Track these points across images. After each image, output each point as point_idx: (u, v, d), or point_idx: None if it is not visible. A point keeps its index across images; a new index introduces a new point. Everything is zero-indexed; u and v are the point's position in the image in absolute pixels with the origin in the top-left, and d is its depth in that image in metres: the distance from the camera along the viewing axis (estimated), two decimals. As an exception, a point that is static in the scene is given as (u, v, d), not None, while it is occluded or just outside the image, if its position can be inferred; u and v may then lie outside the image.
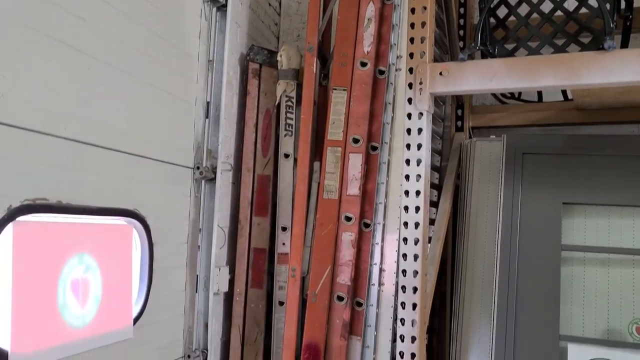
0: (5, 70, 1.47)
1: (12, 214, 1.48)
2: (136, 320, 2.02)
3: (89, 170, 1.78)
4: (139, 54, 2.03)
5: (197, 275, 2.46)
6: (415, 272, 2.25)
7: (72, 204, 1.68)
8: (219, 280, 2.56)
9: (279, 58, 2.95)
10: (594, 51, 2.11)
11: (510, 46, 2.56)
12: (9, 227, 1.48)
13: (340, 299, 2.59)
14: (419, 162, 2.35)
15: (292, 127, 2.91)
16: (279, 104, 2.95)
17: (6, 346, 1.47)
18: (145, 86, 2.07)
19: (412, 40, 2.44)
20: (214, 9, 2.57)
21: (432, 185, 2.82)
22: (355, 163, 2.66)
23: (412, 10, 2.45)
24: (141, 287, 2.07)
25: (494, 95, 3.17)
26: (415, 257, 2.26)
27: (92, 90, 1.79)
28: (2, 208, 1.45)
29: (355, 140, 2.61)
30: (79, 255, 1.73)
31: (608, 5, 2.32)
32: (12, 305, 1.48)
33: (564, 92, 2.97)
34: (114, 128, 1.90)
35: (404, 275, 2.27)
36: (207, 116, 2.54)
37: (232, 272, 2.73)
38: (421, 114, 2.37)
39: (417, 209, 2.29)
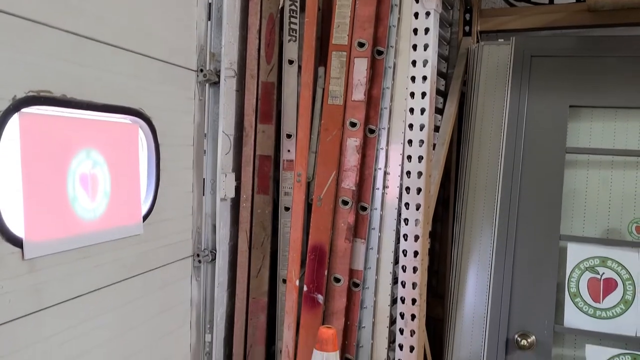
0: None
1: (17, 105, 1.48)
2: (145, 217, 2.06)
3: (93, 66, 1.76)
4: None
5: (204, 179, 2.48)
6: (420, 174, 2.27)
7: (76, 98, 1.68)
8: (226, 186, 2.59)
9: (281, -41, 2.85)
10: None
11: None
12: (15, 118, 1.48)
13: (345, 203, 2.63)
14: (425, 63, 2.32)
15: (296, 33, 2.85)
16: (282, 9, 2.88)
17: (20, 234, 1.51)
18: (145, -18, 2.02)
19: None
20: None
21: (438, 92, 2.79)
22: (361, 68, 2.62)
23: None
24: (149, 186, 2.10)
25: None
26: (420, 158, 2.28)
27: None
28: (7, 98, 1.46)
29: (361, 44, 2.57)
30: (86, 150, 1.74)
31: None
32: (23, 195, 1.51)
33: (576, -7, 2.88)
34: (116, 24, 1.86)
35: (408, 177, 2.30)
36: (209, 18, 2.48)
37: (238, 179, 2.76)
38: (428, 13, 2.31)
39: (423, 110, 2.28)
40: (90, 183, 1.76)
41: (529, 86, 2.54)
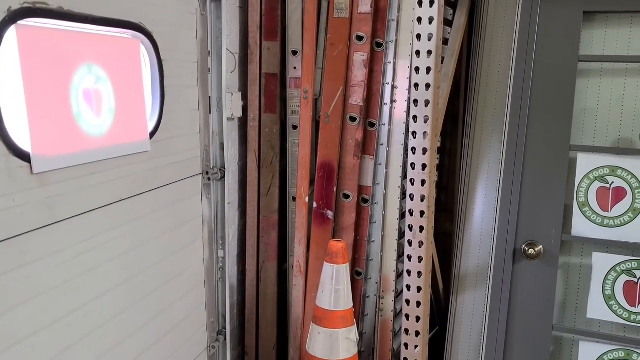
0: None
1: (13, 16, 1.45)
2: (152, 134, 2.06)
3: (88, -23, 1.71)
4: None
5: (210, 97, 2.46)
6: (428, 85, 2.23)
7: (73, 11, 1.64)
8: (232, 106, 2.57)
9: None
10: None
11: None
12: (12, 31, 1.46)
13: (353, 119, 2.61)
14: (431, -25, 2.22)
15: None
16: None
17: (28, 148, 1.52)
18: None
19: None
20: None
21: (447, 3, 2.69)
22: (366, -22, 2.53)
23: None
24: (154, 103, 2.09)
25: None
26: (428, 70, 2.23)
27: None
28: (2, 9, 1.42)
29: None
30: (87, 65, 1.72)
31: None
32: (27, 110, 1.51)
33: None
34: None
35: (417, 89, 2.26)
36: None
37: (245, 98, 2.73)
38: None
39: (431, 19, 2.21)
40: (94, 98, 1.75)
41: (542, -8, 2.44)
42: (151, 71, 2.07)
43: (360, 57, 2.62)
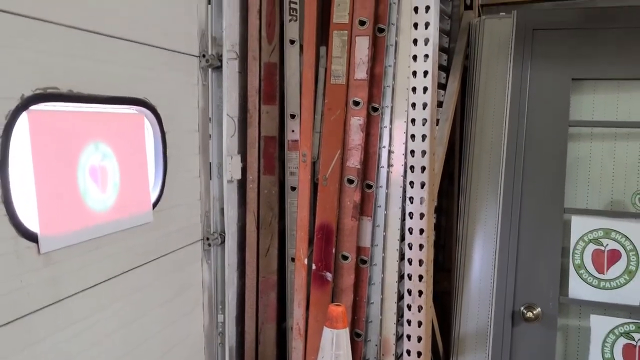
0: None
1: (26, 103, 1.50)
2: (155, 205, 2.10)
3: (97, 59, 1.78)
4: None
5: (210, 163, 2.51)
6: (424, 152, 2.29)
7: (83, 92, 1.70)
8: (232, 168, 2.62)
9: (279, -61, 2.82)
10: None
11: None
12: (24, 116, 1.51)
13: (351, 181, 2.66)
14: (426, 41, 2.32)
15: (296, 12, 2.84)
16: (282, -12, 2.87)
17: (36, 229, 1.55)
18: (144, -29, 2.02)
19: None
20: None
21: (440, 67, 2.79)
22: (362, 46, 2.62)
23: None
24: (157, 174, 2.13)
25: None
26: (424, 137, 2.29)
27: (91, -25, 1.75)
28: (16, 97, 1.48)
29: (362, 23, 2.56)
30: (94, 143, 1.77)
31: None
32: (36, 191, 1.55)
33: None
34: (118, 15, 1.87)
35: (412, 156, 2.32)
36: (209, 2, 2.47)
37: (244, 160, 2.78)
38: (429, -10, 2.30)
39: (425, 89, 2.29)
40: (100, 175, 1.79)
41: (531, 60, 2.53)
42: (154, 143, 2.12)
43: (357, 122, 2.69)
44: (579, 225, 2.43)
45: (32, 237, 1.54)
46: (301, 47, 2.79)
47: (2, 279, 1.45)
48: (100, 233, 1.79)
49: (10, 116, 1.46)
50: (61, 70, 1.63)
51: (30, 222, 1.55)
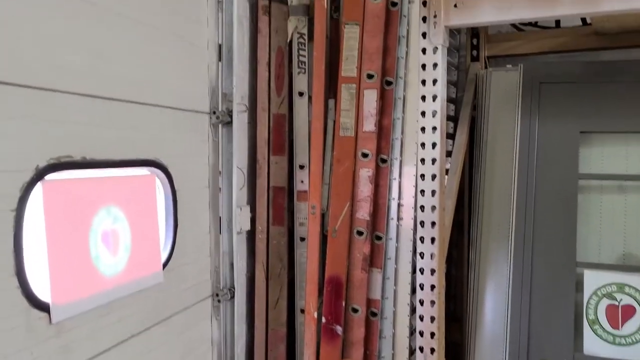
0: (18, 31, 1.47)
1: (40, 173, 1.52)
2: (165, 264, 2.10)
3: (110, 124, 1.80)
4: (150, 0, 2.00)
5: (220, 217, 2.52)
6: (433, 207, 2.29)
7: (95, 158, 1.72)
8: (241, 220, 2.62)
9: (288, -6, 2.88)
10: (615, -25, 2.04)
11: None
12: (38, 186, 1.53)
13: (360, 233, 2.66)
14: (434, 97, 2.34)
15: (305, 65, 2.88)
16: (290, 42, 2.91)
17: (47, 299, 1.55)
18: (158, 33, 2.06)
19: (425, -29, 2.36)
20: (219, -55, 2.50)
21: (448, 117, 2.81)
22: (370, 99, 2.65)
23: (424, -60, 2.36)
24: (168, 233, 2.14)
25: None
26: (433, 192, 2.30)
27: (105, 42, 1.78)
28: (30, 168, 1.50)
29: (370, 76, 2.59)
30: (106, 207, 1.78)
31: None
32: (48, 260, 1.56)
33: (582, 18, 2.88)
34: (129, 79, 1.90)
35: (422, 211, 2.32)
36: (219, 59, 2.52)
37: (253, 211, 2.79)
38: (436, 48, 2.33)
39: (434, 145, 2.30)
40: (111, 239, 1.80)
41: (539, 113, 2.55)
42: (165, 202, 2.13)
43: (366, 173, 2.70)
44: (592, 280, 2.40)
45: (44, 308, 1.54)
46: (310, 98, 2.83)
47: (12, 353, 1.44)
48: (112, 298, 1.79)
49: (25, 189, 1.48)
50: (75, 138, 1.66)
51: (42, 291, 1.55)
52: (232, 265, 2.55)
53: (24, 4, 1.49)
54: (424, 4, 2.36)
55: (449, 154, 2.88)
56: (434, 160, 2.30)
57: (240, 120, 2.60)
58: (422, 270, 2.32)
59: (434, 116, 2.33)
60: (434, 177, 2.30)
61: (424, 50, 2.36)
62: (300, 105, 2.87)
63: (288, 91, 2.92)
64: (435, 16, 2.31)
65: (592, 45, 2.71)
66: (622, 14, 2.12)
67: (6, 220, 1.44)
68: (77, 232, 1.66)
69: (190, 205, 2.28)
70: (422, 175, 2.32)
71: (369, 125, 2.68)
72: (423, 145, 2.32)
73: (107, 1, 1.79)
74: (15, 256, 1.46)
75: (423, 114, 2.36)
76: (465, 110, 2.85)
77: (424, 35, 2.37)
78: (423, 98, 2.36)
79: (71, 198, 1.65)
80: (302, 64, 2.90)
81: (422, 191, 2.32)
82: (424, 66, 2.37)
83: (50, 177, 1.57)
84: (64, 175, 1.64)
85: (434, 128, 2.30)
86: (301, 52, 2.89)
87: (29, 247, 1.53)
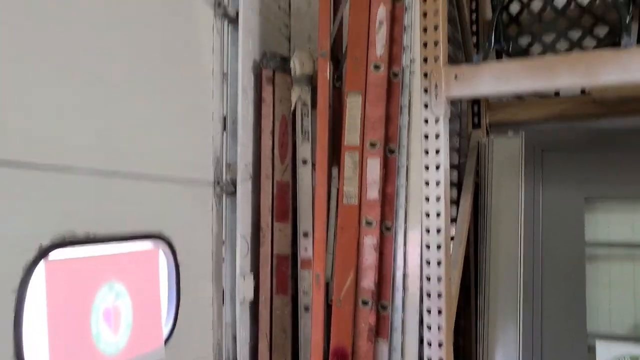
0: (22, 109, 1.50)
1: (43, 252, 1.51)
2: (167, 340, 2.06)
3: (116, 199, 1.81)
4: (155, 75, 2.05)
5: (223, 288, 2.49)
6: (439, 278, 2.26)
7: (99, 234, 1.72)
8: (244, 289, 2.59)
9: (292, 65, 2.95)
10: (611, 48, 2.08)
11: (524, 41, 2.54)
12: (41, 265, 1.51)
13: (365, 303, 2.61)
14: (437, 167, 2.35)
15: (308, 133, 2.92)
16: (294, 110, 2.96)
17: (46, 379, 1.51)
18: (163, 107, 2.10)
19: (425, 44, 2.42)
20: (226, 22, 2.57)
21: (452, 184, 2.81)
22: (374, 167, 2.66)
23: (424, 14, 2.43)
24: (170, 308, 2.10)
25: (511, 89, 3.13)
26: (439, 263, 2.27)
27: (110, 117, 1.81)
28: (33, 248, 1.49)
29: (372, 145, 2.62)
30: (109, 283, 1.76)
31: (623, -4, 2.29)
32: (49, 340, 1.52)
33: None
34: (135, 153, 1.92)
35: (428, 281, 2.29)
36: (224, 130, 2.55)
37: (256, 278, 2.76)
38: (438, 118, 2.36)
39: (438, 214, 2.30)
40: (113, 317, 1.77)
41: (542, 180, 2.55)
42: (168, 274, 2.11)
43: (370, 241, 2.68)
44: (604, 351, 2.34)
45: (42, 389, 1.50)
46: (313, 166, 2.85)
47: None
48: (111, 377, 1.75)
49: (27, 269, 1.46)
50: (79, 214, 1.66)
51: (41, 372, 1.51)
52: (234, 337, 2.50)
53: (31, 83, 1.52)
54: (425, 75, 2.41)
55: (453, 220, 2.87)
56: (438, 230, 2.29)
57: (244, 188, 2.61)
58: (429, 343, 2.27)
59: (437, 185, 2.33)
60: (439, 247, 2.28)
61: (426, 121, 2.39)
62: (304, 173, 2.89)
63: (292, 159, 2.95)
64: (436, 87, 2.36)
65: (592, 113, 2.75)
66: (620, 85, 2.16)
67: (7, 301, 1.42)
68: (79, 311, 1.64)
69: (193, 277, 2.26)
70: (428, 246, 2.30)
71: (373, 193, 2.69)
72: (427, 214, 2.32)
73: (115, 77, 1.84)
74: (14, 337, 1.43)
75: (427, 183, 2.37)
76: (469, 177, 2.86)
77: (425, 105, 2.40)
78: (426, 167, 2.38)
79: (74, 276, 1.63)
80: (305, 133, 2.94)
81: (428, 261, 2.30)
82: (426, 136, 2.39)
83: (53, 255, 1.56)
84: (68, 252, 1.63)
85: (438, 198, 2.30)
86: (304, 121, 2.94)
87: (29, 326, 1.51)
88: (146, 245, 2.01)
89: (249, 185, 2.71)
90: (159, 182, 2.05)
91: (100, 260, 1.75)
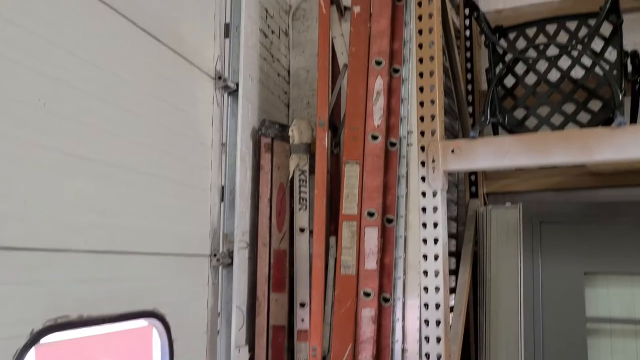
0: (25, 195, 1.49)
1: (35, 338, 1.48)
2: (159, 421, 1.99)
3: (109, 278, 1.78)
4: (155, 152, 2.06)
5: (217, 362, 2.43)
6: (439, 356, 2.22)
7: (92, 315, 1.68)
8: (239, 361, 2.53)
9: (290, 133, 2.98)
10: (605, 128, 2.12)
11: (520, 114, 2.57)
12: (32, 351, 1.48)
13: (363, 378, 2.55)
14: (436, 241, 2.34)
15: (306, 201, 2.92)
16: (292, 178, 2.97)
17: None
18: (162, 182, 2.10)
19: (422, 118, 2.45)
20: (226, 94, 2.61)
21: (450, 254, 2.79)
22: (372, 237, 2.65)
23: (421, 89, 2.47)
24: (163, 385, 2.05)
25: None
26: (438, 339, 2.24)
27: (111, 197, 1.81)
28: (25, 333, 1.46)
29: (370, 214, 2.61)
30: (100, 366, 1.72)
31: (615, 71, 2.33)
32: None
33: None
34: (132, 230, 1.91)
35: (427, 359, 2.23)
36: (222, 200, 2.55)
37: (251, 350, 2.70)
38: (435, 192, 2.37)
39: (437, 289, 2.27)
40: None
41: (541, 253, 2.54)
42: (161, 351, 2.06)
43: (368, 313, 2.63)
44: None
45: None
46: (311, 233, 2.83)
47: None
48: None
49: (18, 355, 1.43)
50: (73, 295, 1.63)
51: None
52: (228, 416, 2.42)
53: (35, 169, 1.53)
54: (422, 149, 2.43)
55: (452, 290, 2.84)
56: (437, 306, 2.26)
57: (240, 258, 2.59)
58: None
59: (436, 259, 2.32)
60: (438, 323, 2.24)
61: (423, 194, 2.40)
62: (301, 241, 2.87)
63: (289, 227, 2.94)
64: (433, 161, 2.37)
65: (588, 185, 2.76)
66: (615, 162, 2.19)
67: (-5, 390, 1.38)
68: (68, 397, 1.59)
69: (187, 352, 2.20)
70: (427, 321, 2.27)
71: (371, 263, 2.66)
72: (426, 289, 2.29)
73: (115, 158, 1.84)
74: None
75: (425, 257, 2.35)
76: (467, 247, 2.84)
77: (423, 179, 2.41)
78: (424, 241, 2.37)
79: (65, 359, 1.59)
80: (303, 200, 2.94)
81: (427, 338, 2.26)
82: (424, 209, 2.39)
83: (45, 339, 1.52)
84: (60, 335, 1.59)
85: (437, 272, 2.28)
86: (302, 189, 2.94)
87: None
88: (140, 323, 1.97)
89: (245, 254, 2.69)
90: (155, 258, 2.03)
91: (93, 340, 1.72)
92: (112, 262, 1.80)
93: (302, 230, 2.90)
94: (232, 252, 2.51)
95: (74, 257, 1.64)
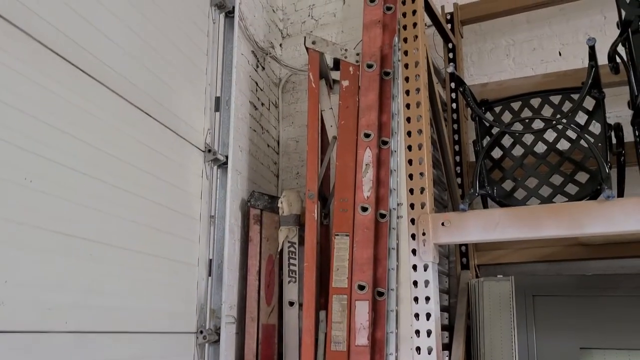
0: (7, 276, 1.45)
1: None
2: None
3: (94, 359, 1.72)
4: (143, 228, 2.03)
5: None
6: None
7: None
8: None
9: (279, 205, 2.97)
10: (594, 201, 2.12)
11: (508, 185, 2.58)
12: None
13: None
14: (428, 316, 2.29)
15: (295, 274, 2.88)
16: (281, 250, 2.94)
17: None
18: (149, 259, 2.06)
19: (411, 191, 2.45)
20: (215, 167, 2.61)
21: (443, 327, 2.73)
22: (362, 311, 2.59)
23: (410, 162, 2.49)
24: None
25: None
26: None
27: (95, 276, 1.77)
28: None
29: (361, 287, 2.56)
30: None
31: (599, 144, 2.36)
32: None
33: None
34: (116, 309, 1.86)
35: None
36: (209, 274, 2.50)
37: None
38: (427, 265, 2.34)
39: (429, 332, 2.21)
40: None
41: (535, 327, 2.49)
42: None
43: (359, 388, 2.54)
44: None
45: None
46: (300, 306, 2.77)
47: None
48: None
49: None
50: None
51: None
52: None
53: (19, 249, 1.49)
54: (412, 222, 2.42)
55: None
56: (430, 350, 2.18)
57: (227, 334, 2.52)
58: None
59: (428, 336, 2.26)
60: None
61: (414, 267, 2.37)
62: (291, 316, 2.81)
63: (278, 300, 2.88)
64: (424, 234, 2.36)
65: (580, 256, 2.74)
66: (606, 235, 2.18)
67: None
68: None
69: None
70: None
71: (362, 338, 2.59)
72: (418, 332, 2.23)
73: (102, 235, 1.81)
74: None
75: (417, 332, 2.29)
76: (460, 320, 2.78)
77: (413, 251, 2.39)
78: (416, 316, 2.32)
79: None
80: (292, 273, 2.89)
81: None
82: (415, 283, 2.35)
83: None
84: None
85: (430, 349, 2.21)
86: (292, 261, 2.90)
87: None
88: (121, 407, 1.88)
89: (233, 329, 2.62)
90: (139, 336, 1.96)
91: None
92: (94, 343, 1.74)
93: (291, 304, 2.84)
94: (219, 328, 2.44)
95: (54, 338, 1.58)
